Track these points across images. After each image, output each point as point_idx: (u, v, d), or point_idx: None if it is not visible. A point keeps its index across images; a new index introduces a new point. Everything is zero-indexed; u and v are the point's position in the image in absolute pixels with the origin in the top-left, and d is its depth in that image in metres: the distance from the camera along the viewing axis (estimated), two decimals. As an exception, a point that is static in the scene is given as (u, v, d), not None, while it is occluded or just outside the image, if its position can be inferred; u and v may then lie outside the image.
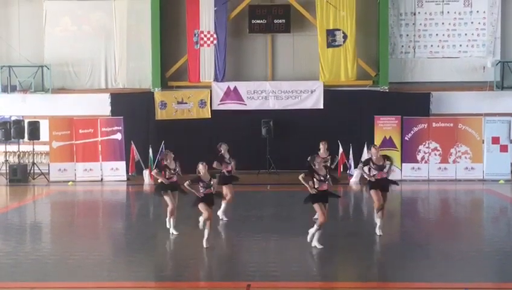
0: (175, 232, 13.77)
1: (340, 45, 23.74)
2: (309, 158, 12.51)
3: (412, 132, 22.36)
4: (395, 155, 22.19)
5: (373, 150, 13.80)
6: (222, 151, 15.23)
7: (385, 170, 13.59)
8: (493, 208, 18.31)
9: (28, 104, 24.00)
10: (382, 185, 13.64)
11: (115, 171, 22.62)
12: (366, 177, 13.68)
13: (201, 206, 12.58)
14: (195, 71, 24.02)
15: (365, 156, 21.89)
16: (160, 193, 14.01)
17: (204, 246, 12.45)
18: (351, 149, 22.11)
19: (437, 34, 24.22)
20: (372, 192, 13.61)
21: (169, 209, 13.83)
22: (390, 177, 13.93)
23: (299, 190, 14.69)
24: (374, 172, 13.52)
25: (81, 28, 24.63)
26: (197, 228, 13.66)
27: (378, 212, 13.61)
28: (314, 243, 12.47)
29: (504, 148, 22.23)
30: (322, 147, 15.70)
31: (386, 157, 13.79)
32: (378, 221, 13.64)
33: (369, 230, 13.95)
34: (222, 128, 23.00)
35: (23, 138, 22.95)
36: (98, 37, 24.58)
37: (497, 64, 23.76)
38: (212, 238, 12.96)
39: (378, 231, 13.55)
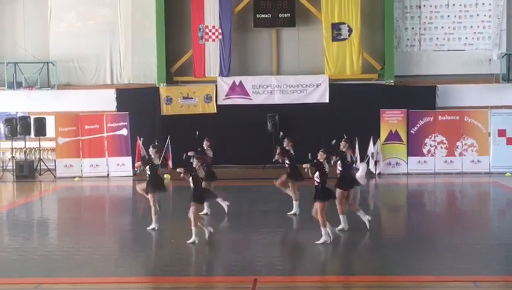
0: (153, 227, 13.83)
1: (346, 39, 23.68)
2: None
3: (418, 125, 22.31)
4: (401, 149, 22.22)
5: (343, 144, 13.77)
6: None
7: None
8: (500, 201, 18.28)
9: (34, 100, 24.02)
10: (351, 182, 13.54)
11: (121, 166, 22.64)
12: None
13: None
14: (200, 66, 24.00)
15: (371, 150, 21.94)
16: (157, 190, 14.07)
17: (191, 241, 12.49)
18: (356, 143, 22.06)
19: (442, 27, 24.12)
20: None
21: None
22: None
23: (305, 184, 14.69)
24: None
25: (86, 24, 24.61)
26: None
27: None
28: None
29: (510, 141, 22.14)
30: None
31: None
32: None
33: (375, 224, 13.93)
34: (228, 123, 23.01)
35: (29, 134, 22.97)
36: (103, 33, 24.56)
37: (503, 56, 23.66)
38: (216, 233, 12.99)
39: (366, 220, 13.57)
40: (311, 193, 12.66)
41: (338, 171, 13.41)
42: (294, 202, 15.22)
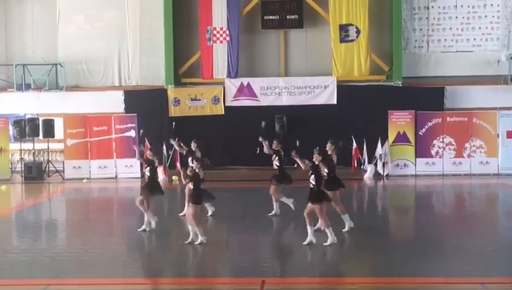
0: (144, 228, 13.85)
1: (353, 40, 23.66)
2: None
3: (426, 127, 22.27)
4: (409, 150, 22.18)
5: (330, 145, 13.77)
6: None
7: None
8: (508, 203, 18.21)
9: (42, 102, 24.12)
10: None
11: (129, 168, 22.69)
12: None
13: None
14: (208, 68, 24.03)
15: (379, 151, 21.91)
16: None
17: (199, 242, 12.49)
18: (364, 145, 22.05)
19: (451, 28, 24.07)
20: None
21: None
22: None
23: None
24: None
25: (94, 26, 24.69)
26: (208, 225, 13.68)
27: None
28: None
29: (519, 142, 22.11)
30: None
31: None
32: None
33: (382, 225, 13.92)
34: (236, 124, 23.02)
35: (38, 135, 23.05)
36: (111, 35, 24.64)
37: (511, 58, 23.57)
38: (223, 235, 12.98)
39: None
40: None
41: (324, 174, 13.41)
42: (274, 203, 15.19)
